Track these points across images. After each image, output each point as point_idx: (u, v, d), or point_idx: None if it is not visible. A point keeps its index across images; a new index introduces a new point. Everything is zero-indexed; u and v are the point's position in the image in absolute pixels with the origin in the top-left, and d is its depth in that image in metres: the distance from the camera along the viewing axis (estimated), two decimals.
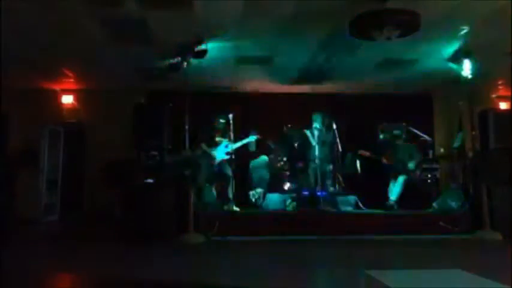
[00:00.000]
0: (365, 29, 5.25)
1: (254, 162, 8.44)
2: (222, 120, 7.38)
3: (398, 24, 5.09)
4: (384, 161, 7.62)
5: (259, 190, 8.04)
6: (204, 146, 7.16)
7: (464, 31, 6.02)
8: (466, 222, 6.17)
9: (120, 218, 6.14)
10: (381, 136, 8.85)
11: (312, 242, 5.83)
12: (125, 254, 5.08)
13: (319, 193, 6.95)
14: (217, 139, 7.29)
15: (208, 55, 6.47)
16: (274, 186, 8.41)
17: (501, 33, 5.99)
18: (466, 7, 5.35)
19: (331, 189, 7.55)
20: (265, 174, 8.34)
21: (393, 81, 8.64)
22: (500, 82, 8.79)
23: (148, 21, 5.76)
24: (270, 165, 8.39)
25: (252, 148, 8.27)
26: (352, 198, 7.58)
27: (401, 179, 7.46)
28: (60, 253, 5.17)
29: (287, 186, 8.11)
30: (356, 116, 9.06)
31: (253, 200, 8.01)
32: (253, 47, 6.72)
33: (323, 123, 7.42)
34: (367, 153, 7.69)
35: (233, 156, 7.28)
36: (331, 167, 7.50)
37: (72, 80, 8.58)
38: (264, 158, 8.37)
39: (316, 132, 7.17)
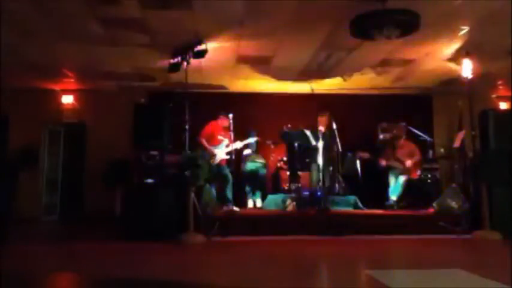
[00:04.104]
0: (365, 29, 5.25)
1: (251, 163, 8.42)
2: (223, 119, 7.38)
3: (398, 24, 5.09)
4: (383, 162, 7.61)
5: (258, 194, 8.04)
6: (204, 142, 7.16)
7: (464, 31, 6.02)
8: (466, 222, 6.16)
9: (120, 218, 6.14)
10: (381, 136, 8.86)
11: (312, 242, 5.83)
12: (125, 253, 5.08)
13: (319, 193, 6.95)
14: (219, 137, 7.29)
15: (208, 55, 6.47)
16: (273, 186, 8.43)
17: (501, 33, 5.99)
18: (466, 7, 5.35)
19: (331, 189, 7.55)
20: (262, 175, 8.35)
21: (393, 81, 8.65)
22: (500, 82, 8.79)
23: (148, 21, 5.76)
24: (267, 165, 8.39)
25: (253, 148, 8.29)
26: (352, 198, 7.59)
27: (401, 179, 7.47)
28: (60, 253, 5.17)
29: (287, 186, 8.12)
30: (356, 116, 9.06)
31: (253, 205, 8.00)
32: (253, 47, 6.72)
33: (325, 124, 7.44)
34: (366, 155, 7.69)
35: (233, 157, 7.28)
36: (331, 167, 7.51)
37: (72, 80, 8.59)
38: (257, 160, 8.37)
39: (320, 134, 7.19)
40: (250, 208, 7.84)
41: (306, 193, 7.39)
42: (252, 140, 7.70)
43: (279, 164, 8.54)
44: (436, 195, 7.36)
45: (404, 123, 8.53)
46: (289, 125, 8.05)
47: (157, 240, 5.56)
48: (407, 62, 7.53)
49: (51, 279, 3.85)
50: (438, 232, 6.14)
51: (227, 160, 7.27)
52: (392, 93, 9.40)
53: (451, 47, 6.71)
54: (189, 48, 6.33)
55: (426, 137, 8.40)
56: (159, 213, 5.91)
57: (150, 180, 6.15)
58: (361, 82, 8.67)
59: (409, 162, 7.55)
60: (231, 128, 7.26)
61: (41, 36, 6.26)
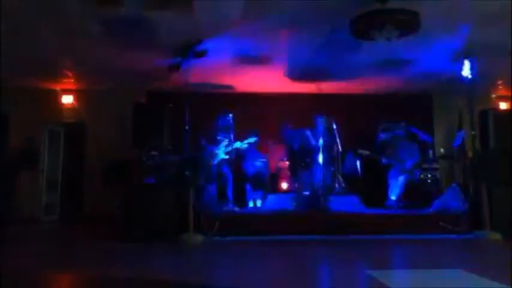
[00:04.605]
0: (365, 29, 5.25)
1: (251, 162, 8.37)
2: (223, 120, 7.39)
3: (398, 24, 5.09)
4: (384, 160, 7.62)
5: (258, 194, 8.00)
6: (204, 143, 7.16)
7: (464, 31, 6.02)
8: (466, 222, 6.16)
9: (120, 218, 6.13)
10: (381, 136, 8.86)
11: (312, 242, 5.83)
12: (125, 253, 5.08)
13: (319, 193, 6.95)
14: (218, 138, 7.29)
15: (208, 55, 6.47)
16: (273, 186, 8.41)
17: (501, 33, 5.99)
18: (466, 7, 5.35)
19: (331, 189, 7.55)
20: (263, 174, 8.32)
21: (393, 81, 8.65)
22: (500, 82, 8.79)
23: (148, 21, 5.76)
24: (268, 165, 8.37)
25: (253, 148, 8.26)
26: (352, 198, 7.58)
27: (401, 179, 7.47)
28: (60, 252, 5.17)
29: (287, 186, 8.11)
30: (356, 116, 9.06)
31: (253, 204, 7.97)
32: (253, 47, 6.72)
33: (324, 124, 7.44)
34: (366, 152, 7.69)
35: (233, 157, 7.29)
36: (331, 167, 7.50)
37: (72, 80, 8.58)
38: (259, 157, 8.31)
39: (319, 134, 7.19)
40: (250, 208, 7.83)
41: (306, 193, 7.38)
42: (251, 140, 7.69)
43: (279, 164, 8.53)
44: (436, 195, 7.37)
45: (404, 123, 8.54)
46: (289, 125, 8.05)
47: (157, 240, 5.56)
48: (407, 62, 7.53)
49: (51, 279, 3.85)
50: (438, 232, 6.14)
51: (227, 160, 7.27)
52: (393, 93, 9.41)
53: (451, 47, 6.71)
54: (189, 48, 6.33)
55: (426, 137, 8.39)
56: (159, 213, 5.91)
57: (150, 180, 6.15)
58: (361, 82, 8.67)
59: (408, 165, 7.55)
60: (231, 128, 7.27)
61: (41, 36, 6.26)
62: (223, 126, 7.48)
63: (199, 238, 5.71)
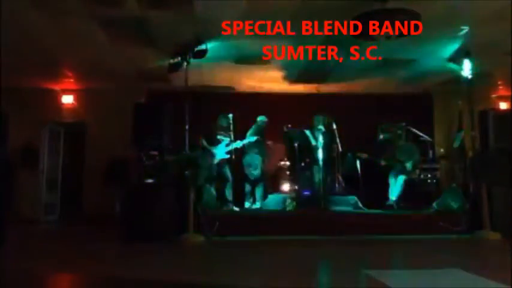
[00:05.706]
0: (365, 29, 5.24)
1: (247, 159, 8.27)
2: (223, 119, 7.38)
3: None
4: (383, 162, 7.62)
5: (258, 194, 7.96)
6: (204, 143, 7.16)
7: (464, 31, 6.02)
8: (466, 222, 6.17)
9: (120, 218, 6.13)
10: (381, 136, 8.86)
11: (312, 242, 5.83)
12: (125, 254, 5.09)
13: (319, 193, 6.95)
14: (218, 137, 7.29)
15: (208, 55, 6.47)
16: (273, 186, 8.39)
17: (501, 33, 5.99)
18: (466, 7, 5.35)
19: (331, 189, 7.55)
20: (263, 174, 8.29)
21: (393, 81, 8.65)
22: (500, 82, 8.79)
23: (148, 21, 5.76)
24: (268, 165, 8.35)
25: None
26: (352, 198, 7.58)
27: (401, 179, 7.46)
28: (60, 253, 5.17)
29: (287, 186, 8.10)
30: (356, 116, 9.06)
31: (252, 205, 7.94)
32: (253, 47, 6.72)
33: (324, 124, 7.44)
34: (365, 156, 7.70)
35: (233, 157, 7.28)
36: (331, 167, 7.50)
37: (72, 80, 8.59)
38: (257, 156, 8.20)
39: (318, 134, 7.19)
40: (250, 208, 7.83)
41: (306, 193, 7.37)
42: (250, 139, 7.68)
43: (279, 164, 8.52)
44: (436, 195, 7.36)
45: (404, 123, 8.54)
46: (289, 125, 8.04)
47: (157, 241, 5.56)
48: (407, 62, 7.53)
49: (51, 279, 3.85)
50: (438, 232, 6.14)
51: (227, 160, 7.27)
52: (392, 93, 9.40)
53: (451, 47, 6.71)
54: (189, 48, 6.33)
55: (426, 137, 8.40)
56: (159, 214, 5.90)
57: (150, 180, 6.15)
58: (361, 82, 8.67)
59: (409, 165, 7.55)
60: (231, 128, 7.26)
61: (41, 36, 6.26)
62: (223, 126, 7.47)
63: (199, 238, 5.72)
